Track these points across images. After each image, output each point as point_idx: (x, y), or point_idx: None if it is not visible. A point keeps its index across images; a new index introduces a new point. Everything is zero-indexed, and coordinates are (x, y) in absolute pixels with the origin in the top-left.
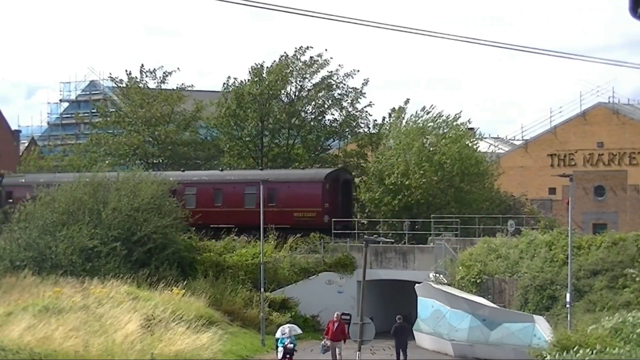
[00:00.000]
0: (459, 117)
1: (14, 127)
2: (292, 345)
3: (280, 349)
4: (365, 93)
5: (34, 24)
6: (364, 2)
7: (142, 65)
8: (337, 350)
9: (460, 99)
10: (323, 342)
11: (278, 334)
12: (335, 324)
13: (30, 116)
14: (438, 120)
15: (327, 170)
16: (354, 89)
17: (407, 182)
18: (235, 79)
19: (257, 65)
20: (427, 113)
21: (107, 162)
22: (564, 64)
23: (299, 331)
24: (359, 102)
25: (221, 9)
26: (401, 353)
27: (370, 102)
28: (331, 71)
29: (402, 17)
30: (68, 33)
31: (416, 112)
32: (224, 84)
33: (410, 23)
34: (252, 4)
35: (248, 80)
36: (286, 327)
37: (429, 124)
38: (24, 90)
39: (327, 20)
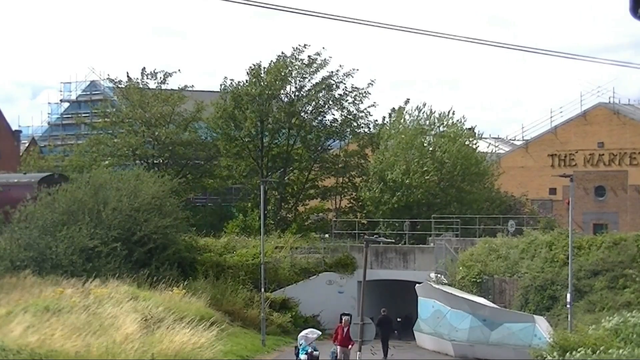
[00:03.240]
0: (453, 113)
1: (17, 127)
2: (317, 352)
3: (304, 356)
4: (370, 93)
5: (40, 24)
6: (366, 2)
7: (144, 68)
8: (344, 357)
9: (463, 100)
10: (332, 349)
11: (300, 342)
12: (345, 329)
13: (31, 116)
14: (431, 118)
15: (40, 175)
16: (358, 88)
17: (407, 181)
18: (232, 80)
19: (255, 65)
20: (420, 111)
21: (106, 162)
22: (570, 64)
23: (318, 333)
24: (362, 102)
25: (225, 9)
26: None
27: (374, 102)
28: (331, 71)
29: (404, 17)
30: (74, 33)
31: (410, 109)
32: (221, 85)
33: (411, 23)
34: (253, 4)
35: (246, 80)
36: (307, 333)
37: (424, 122)
38: (29, 90)
39: (329, 20)
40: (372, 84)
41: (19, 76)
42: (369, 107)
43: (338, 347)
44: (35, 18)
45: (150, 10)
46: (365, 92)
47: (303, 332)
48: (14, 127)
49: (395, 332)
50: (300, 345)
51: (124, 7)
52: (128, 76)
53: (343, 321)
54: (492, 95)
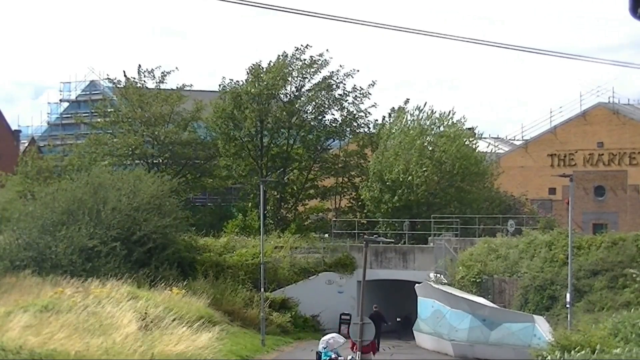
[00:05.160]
0: (453, 113)
1: (17, 127)
2: (341, 358)
3: None
4: (371, 94)
5: (41, 24)
6: (366, 2)
7: (140, 65)
8: None
9: (463, 100)
10: (350, 356)
11: (321, 346)
12: None
13: (32, 116)
14: (432, 118)
15: None
16: (359, 89)
17: (409, 179)
18: (230, 80)
19: (254, 65)
20: (420, 111)
21: (106, 162)
22: (569, 64)
23: (343, 339)
24: (362, 102)
25: (225, 9)
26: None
27: (375, 102)
28: (332, 71)
29: (404, 17)
30: (74, 34)
31: (411, 109)
32: (220, 84)
33: (412, 23)
34: (253, 4)
35: (246, 80)
36: (330, 339)
37: (424, 122)
38: (31, 90)
39: (329, 20)
40: (373, 85)
41: (20, 76)
42: (369, 107)
43: (358, 353)
44: (37, 18)
45: (151, 10)
46: (366, 92)
47: (325, 337)
48: (15, 127)
49: (387, 323)
50: (324, 350)
51: (124, 7)
52: (125, 75)
53: None
54: (492, 95)
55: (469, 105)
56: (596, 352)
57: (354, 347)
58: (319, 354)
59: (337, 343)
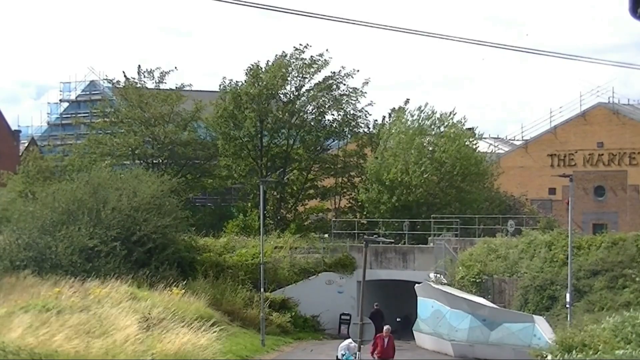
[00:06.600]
0: (454, 114)
1: (17, 127)
2: None
3: None
4: (365, 92)
5: (44, 24)
6: (367, 2)
7: (139, 66)
8: None
9: (464, 100)
10: None
11: (342, 350)
12: (385, 339)
13: (32, 116)
14: (432, 118)
15: None
16: (354, 88)
17: (407, 180)
18: (230, 80)
19: (253, 65)
20: (421, 111)
21: (106, 162)
22: (570, 64)
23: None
24: (359, 101)
25: (227, 8)
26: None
27: (371, 101)
28: (333, 72)
29: (405, 17)
30: (77, 34)
31: (411, 110)
32: (220, 85)
33: (413, 23)
34: (252, 5)
35: (245, 80)
36: (350, 342)
37: (425, 122)
38: (34, 90)
39: (329, 21)
40: (367, 83)
41: (23, 76)
42: (366, 106)
43: (358, 353)
44: (40, 17)
45: (151, 10)
46: (360, 91)
47: (344, 343)
48: (15, 127)
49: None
50: (343, 355)
51: (125, 7)
52: (125, 75)
53: (384, 330)
54: (493, 95)
55: (470, 105)
56: (599, 352)
57: (373, 353)
58: (340, 356)
59: (356, 347)
